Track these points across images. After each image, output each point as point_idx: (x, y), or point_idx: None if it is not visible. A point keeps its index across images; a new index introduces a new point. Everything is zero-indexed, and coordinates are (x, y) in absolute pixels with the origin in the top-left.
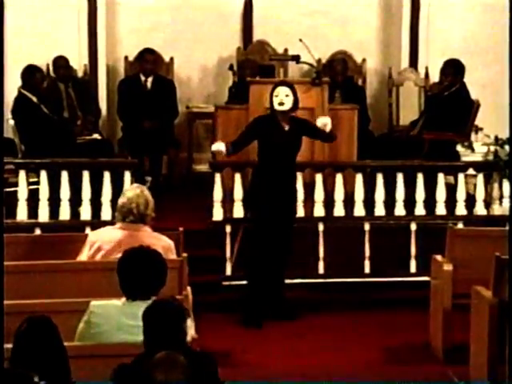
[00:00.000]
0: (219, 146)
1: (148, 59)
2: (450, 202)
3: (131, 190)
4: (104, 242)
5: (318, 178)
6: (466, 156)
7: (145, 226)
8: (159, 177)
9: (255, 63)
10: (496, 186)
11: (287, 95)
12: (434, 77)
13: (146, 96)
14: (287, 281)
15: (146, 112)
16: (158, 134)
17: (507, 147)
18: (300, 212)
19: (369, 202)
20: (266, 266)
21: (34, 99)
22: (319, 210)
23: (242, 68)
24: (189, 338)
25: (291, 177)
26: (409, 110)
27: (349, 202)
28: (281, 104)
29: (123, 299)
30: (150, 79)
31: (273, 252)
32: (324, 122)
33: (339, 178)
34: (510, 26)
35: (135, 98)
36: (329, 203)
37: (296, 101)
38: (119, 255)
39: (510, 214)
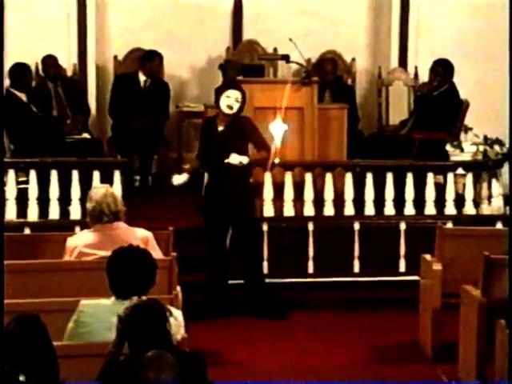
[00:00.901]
0: (180, 179)
1: (160, 62)
2: (440, 201)
3: (96, 192)
4: (83, 246)
5: (308, 177)
6: (456, 156)
7: (119, 222)
8: (148, 176)
9: (238, 63)
10: (485, 185)
11: (238, 100)
12: (424, 77)
13: (141, 95)
14: (276, 280)
15: (138, 111)
16: (148, 134)
17: (497, 147)
18: (289, 211)
19: (358, 202)
20: (218, 267)
21: (23, 98)
22: (309, 210)
23: (225, 68)
24: (179, 338)
25: (234, 177)
26: (398, 109)
27: (338, 201)
28: (229, 107)
29: (112, 298)
30: (149, 80)
31: (237, 252)
32: (234, 161)
33: (329, 177)
34: (510, 28)
35: (129, 96)
36: (318, 202)
37: (242, 107)
38: (104, 255)
39: (510, 213)
